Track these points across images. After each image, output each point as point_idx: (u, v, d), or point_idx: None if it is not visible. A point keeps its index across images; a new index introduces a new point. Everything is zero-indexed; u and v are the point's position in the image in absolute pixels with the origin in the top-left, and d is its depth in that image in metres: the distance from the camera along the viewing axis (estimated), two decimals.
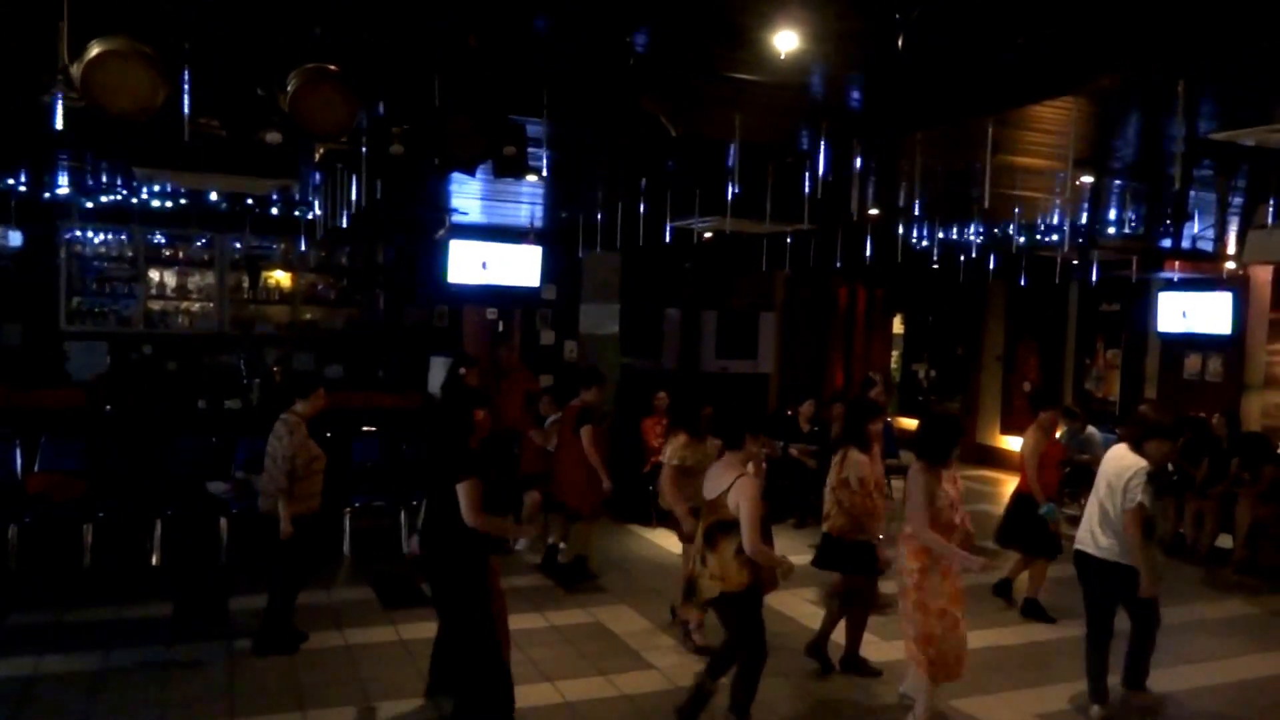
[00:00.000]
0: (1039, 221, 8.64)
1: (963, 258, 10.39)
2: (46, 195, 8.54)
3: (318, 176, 7.19)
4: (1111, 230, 8.47)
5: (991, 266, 10.43)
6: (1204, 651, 6.27)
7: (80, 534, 7.07)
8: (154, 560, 7.23)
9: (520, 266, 11.10)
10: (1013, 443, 13.31)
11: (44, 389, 8.48)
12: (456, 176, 7.25)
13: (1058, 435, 7.54)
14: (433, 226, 10.18)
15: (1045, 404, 7.14)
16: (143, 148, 5.42)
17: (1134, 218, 8.21)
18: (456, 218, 9.95)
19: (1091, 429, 9.75)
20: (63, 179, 7.86)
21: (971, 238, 9.57)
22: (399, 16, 4.11)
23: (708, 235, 9.82)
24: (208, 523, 7.36)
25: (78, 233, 9.66)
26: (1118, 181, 7.02)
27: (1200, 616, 7.04)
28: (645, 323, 12.71)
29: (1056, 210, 8.06)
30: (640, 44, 4.32)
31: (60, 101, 3.87)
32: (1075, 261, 9.91)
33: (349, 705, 4.96)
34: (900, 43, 3.58)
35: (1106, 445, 9.96)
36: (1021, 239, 9.14)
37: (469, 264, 10.86)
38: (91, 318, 9.75)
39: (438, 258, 10.78)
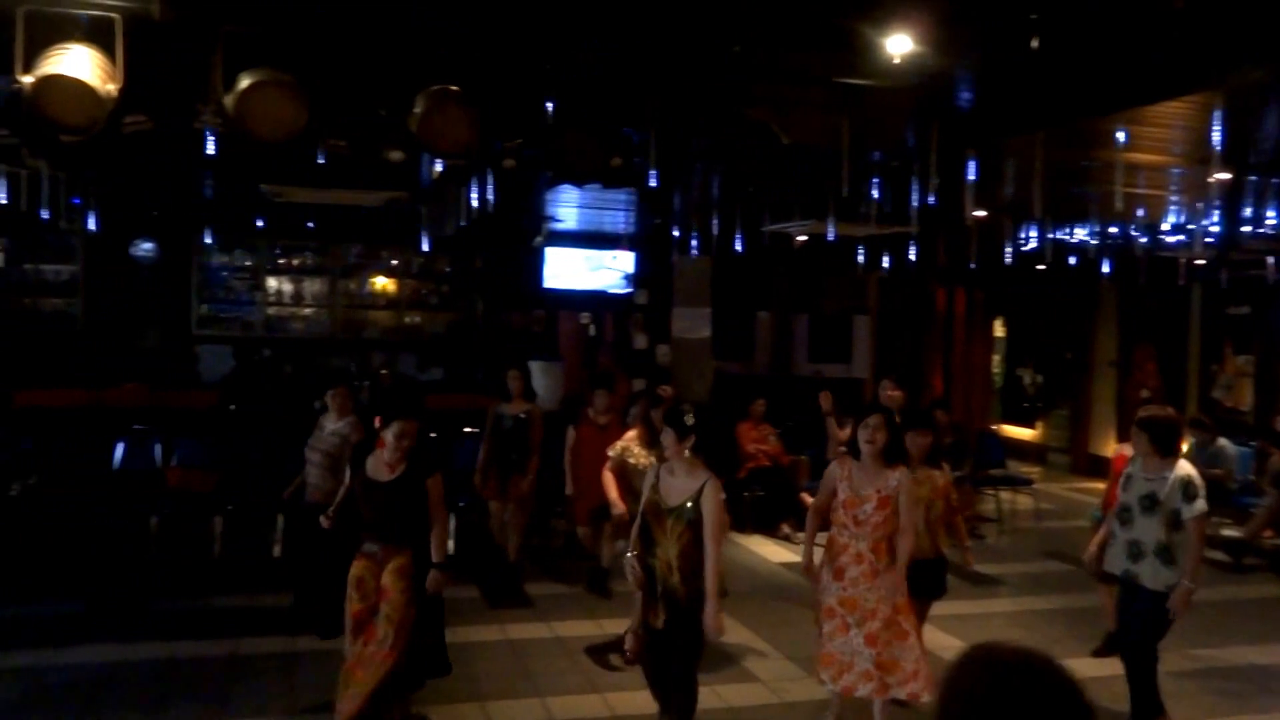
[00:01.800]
0: (1163, 221, 8.29)
1: (1073, 259, 10.07)
2: (182, 211, 9.18)
3: (427, 189, 7.48)
4: (1249, 229, 8.04)
5: (1104, 268, 10.07)
6: None
7: (211, 525, 7.53)
8: (275, 551, 7.62)
9: (613, 271, 11.31)
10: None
11: (179, 390, 9.06)
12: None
13: (1184, 448, 6.97)
14: (531, 234, 10.44)
15: None
16: (272, 167, 5.76)
17: (1277, 216, 7.74)
18: (552, 225, 10.20)
19: (1223, 441, 9.06)
20: (197, 196, 8.42)
21: (1084, 238, 9.26)
22: (517, 39, 4.29)
23: (801, 238, 9.80)
24: None
25: (206, 245, 10.29)
26: (1256, 177, 6.68)
27: None
28: (737, 326, 12.73)
29: (1184, 209, 7.74)
30: (750, 53, 4.38)
31: (210, 128, 4.20)
32: (1202, 262, 9.46)
33: (466, 702, 5.12)
34: (1034, 43, 3.55)
35: (1241, 459, 9.39)
36: (1143, 239, 8.80)
37: (564, 269, 11.13)
38: (218, 323, 10.40)
39: (535, 264, 11.07)
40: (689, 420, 4.17)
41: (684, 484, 4.16)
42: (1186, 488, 4.56)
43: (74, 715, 4.83)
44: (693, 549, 4.10)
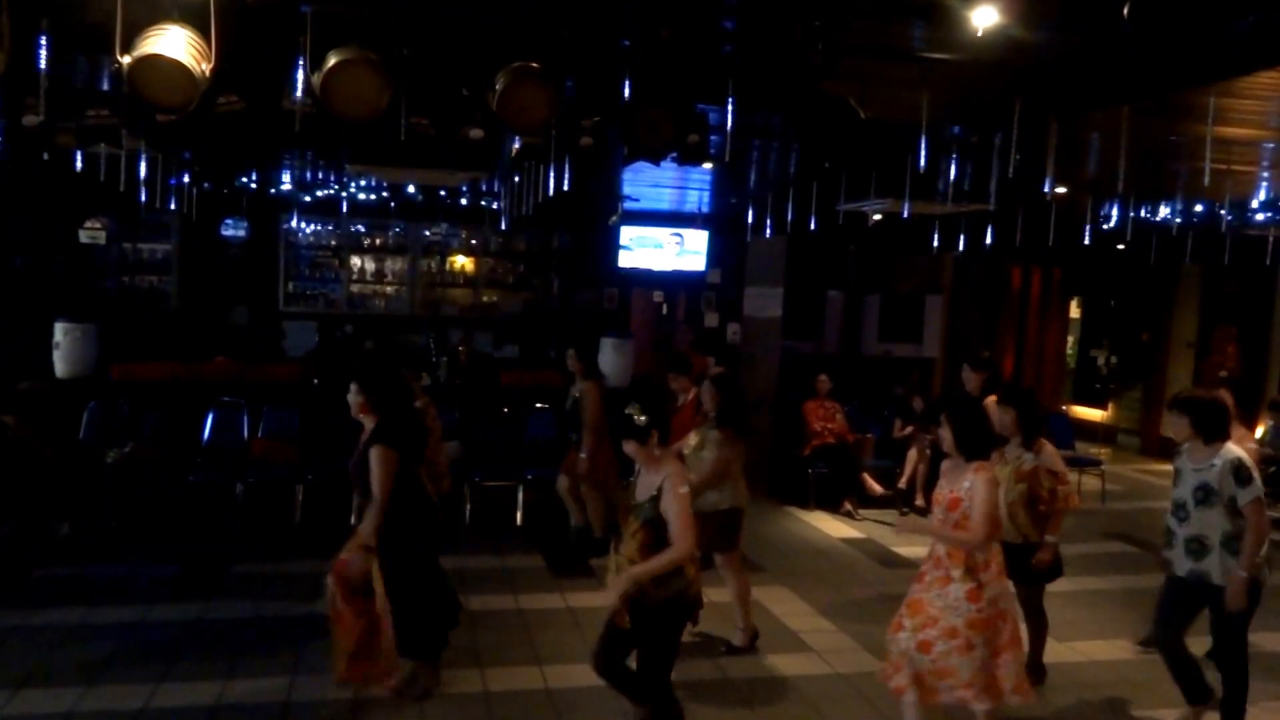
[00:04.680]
0: (1251, 199, 7.99)
1: (1154, 238, 9.77)
2: (271, 191, 9.51)
3: (506, 168, 7.60)
4: None
5: (1187, 246, 9.75)
6: None
7: (293, 493, 7.82)
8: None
9: (687, 251, 11.37)
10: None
11: (266, 364, 9.41)
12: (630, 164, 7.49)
13: (1259, 433, 6.79)
14: (605, 213, 10.53)
15: None
16: (358, 147, 5.92)
17: None
18: (627, 204, 10.26)
19: None
20: (284, 176, 8.71)
21: (1167, 216, 8.98)
22: (597, 15, 4.34)
23: (876, 217, 9.68)
24: None
25: (293, 224, 10.64)
26: None
27: None
28: (808, 305, 12.65)
29: (1275, 186, 7.44)
30: (829, 28, 4.35)
31: (297, 108, 4.35)
32: None
33: (524, 665, 5.28)
34: (1126, 11, 3.46)
35: None
36: (1229, 217, 8.49)
37: (638, 249, 11.23)
38: (303, 300, 10.77)
39: (609, 243, 11.18)
40: (641, 420, 3.81)
41: (649, 480, 3.88)
42: (1238, 471, 4.26)
43: (158, 667, 5.11)
44: (651, 552, 3.79)
